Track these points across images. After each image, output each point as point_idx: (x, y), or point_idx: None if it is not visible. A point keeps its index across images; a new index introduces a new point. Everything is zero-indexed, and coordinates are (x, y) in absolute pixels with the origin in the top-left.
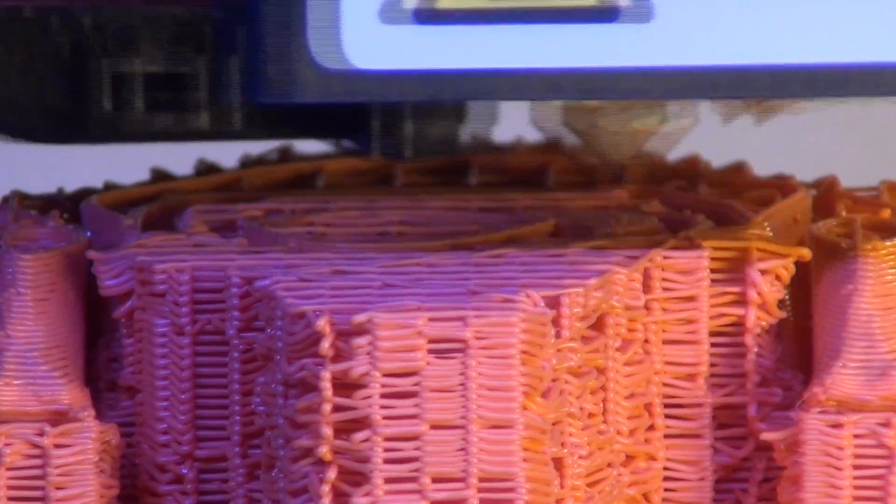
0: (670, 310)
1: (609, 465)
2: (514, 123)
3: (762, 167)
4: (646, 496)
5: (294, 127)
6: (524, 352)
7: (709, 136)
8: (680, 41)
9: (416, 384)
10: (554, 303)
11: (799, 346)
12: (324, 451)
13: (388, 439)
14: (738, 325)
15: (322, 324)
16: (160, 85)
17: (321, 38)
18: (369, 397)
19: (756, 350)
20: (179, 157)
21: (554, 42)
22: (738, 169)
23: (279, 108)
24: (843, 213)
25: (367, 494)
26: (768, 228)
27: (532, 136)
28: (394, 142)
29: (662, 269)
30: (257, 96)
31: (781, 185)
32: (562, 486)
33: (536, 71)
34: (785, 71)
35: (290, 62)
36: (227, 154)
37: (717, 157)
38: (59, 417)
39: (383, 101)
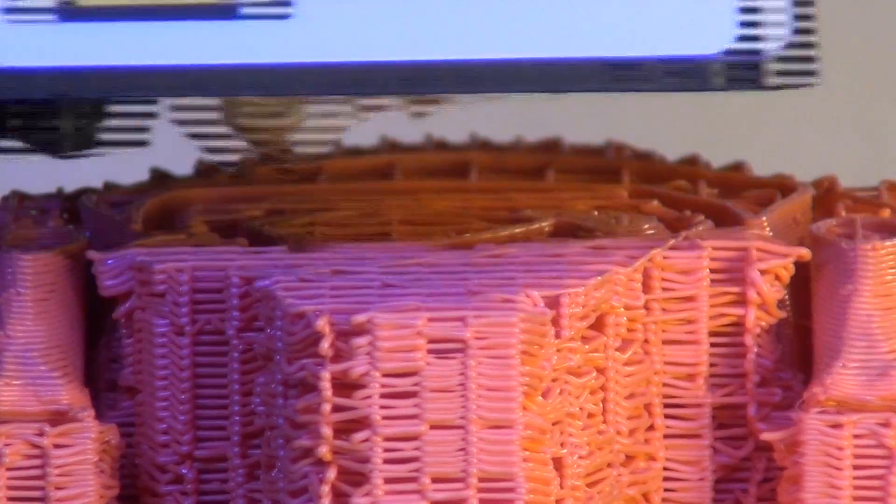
0: (670, 310)
1: (609, 465)
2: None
3: (762, 167)
4: (646, 496)
5: None
6: (524, 352)
7: (709, 137)
8: (317, 38)
9: (415, 384)
10: (554, 303)
11: (799, 346)
12: (324, 451)
13: (387, 439)
14: (738, 325)
15: (322, 324)
16: None
17: None
18: (369, 397)
19: (756, 350)
20: (180, 157)
21: (182, 38)
22: (738, 169)
23: None
24: (843, 213)
25: (366, 494)
26: (768, 228)
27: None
28: (50, 137)
29: (662, 269)
30: None
31: (781, 185)
32: (562, 486)
33: (165, 67)
34: (427, 67)
35: None
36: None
37: (717, 157)
38: (58, 417)
39: (23, 98)
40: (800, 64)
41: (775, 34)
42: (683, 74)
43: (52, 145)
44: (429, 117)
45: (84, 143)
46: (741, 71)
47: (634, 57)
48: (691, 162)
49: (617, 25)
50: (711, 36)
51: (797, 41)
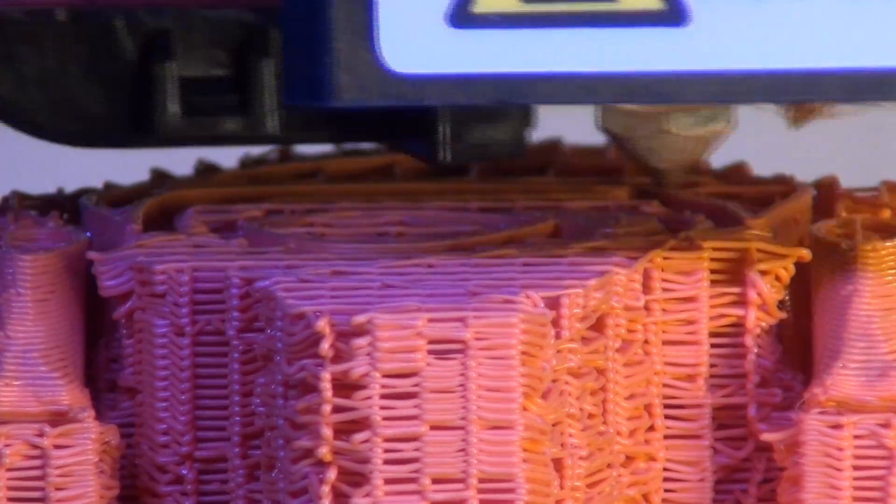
0: (670, 310)
1: (609, 465)
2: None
3: (762, 167)
4: (646, 497)
5: (334, 129)
6: (524, 353)
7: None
8: (715, 45)
9: (415, 385)
10: (554, 304)
11: (799, 346)
12: (324, 451)
13: (387, 440)
14: (738, 326)
15: (322, 324)
16: (206, 89)
17: (389, 42)
18: (369, 398)
19: (756, 351)
20: (180, 157)
21: (588, 45)
22: (738, 169)
23: (319, 111)
24: (843, 213)
25: (367, 495)
26: (768, 229)
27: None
28: (433, 145)
29: (662, 270)
30: (309, 100)
31: (781, 185)
32: (561, 487)
33: (575, 75)
34: (819, 75)
35: (345, 65)
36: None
37: (718, 157)
38: (58, 418)
39: (421, 104)
40: None
41: None
42: None
43: (484, 153)
44: (807, 126)
45: (485, 151)
46: None
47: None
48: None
49: None
50: None
51: None
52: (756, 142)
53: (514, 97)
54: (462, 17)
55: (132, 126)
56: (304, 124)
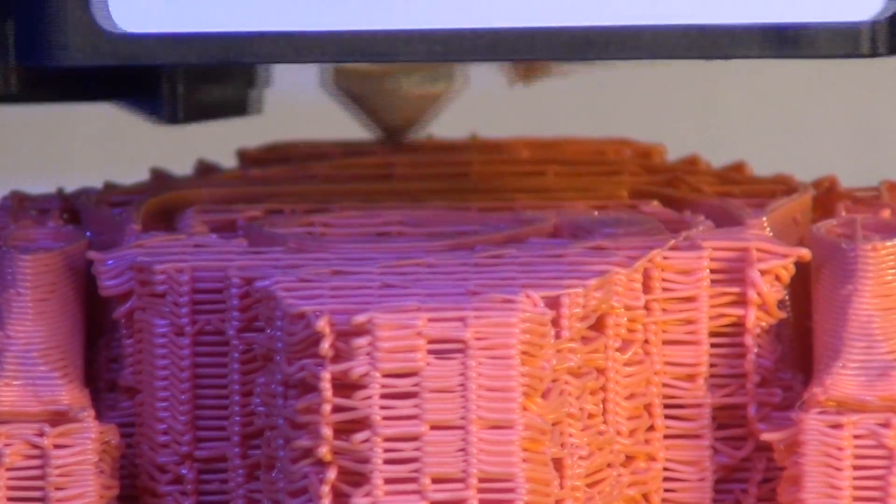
0: (670, 310)
1: (609, 465)
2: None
3: (762, 167)
4: (646, 497)
5: (72, 89)
6: (524, 352)
7: (709, 136)
8: (437, 2)
9: (415, 385)
10: (554, 303)
11: (799, 346)
12: (324, 451)
13: (387, 440)
14: (738, 326)
15: (322, 324)
16: None
17: (101, 1)
18: (369, 398)
19: (756, 350)
20: (179, 157)
21: (312, 3)
22: (738, 169)
23: (57, 70)
24: (843, 213)
25: (366, 495)
26: (768, 228)
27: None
28: (169, 105)
29: (662, 270)
30: (38, 59)
31: (781, 185)
32: (561, 487)
33: (303, 33)
34: (539, 33)
35: (70, 25)
36: (227, 150)
37: (718, 157)
38: (58, 418)
39: (163, 63)
40: None
41: None
42: (842, 40)
43: (205, 112)
44: (534, 86)
45: (238, 109)
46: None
47: (792, 23)
48: (691, 162)
49: None
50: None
51: None
52: (756, 142)
53: (237, 56)
54: None
55: None
56: (38, 83)
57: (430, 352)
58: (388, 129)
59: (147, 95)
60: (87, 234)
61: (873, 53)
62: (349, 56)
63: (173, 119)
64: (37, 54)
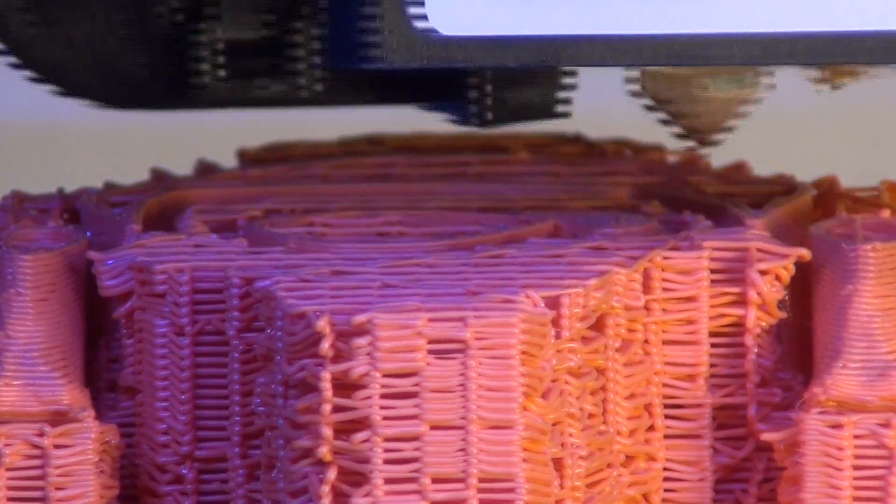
0: (670, 310)
1: (609, 465)
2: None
3: (762, 167)
4: (646, 497)
5: (377, 92)
6: (524, 352)
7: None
8: (749, 7)
9: (415, 385)
10: (554, 303)
11: (799, 346)
12: (324, 451)
13: (388, 440)
14: (738, 326)
15: (322, 324)
16: (248, 52)
17: (413, 3)
18: (369, 398)
19: (756, 350)
20: (179, 157)
21: (638, 8)
22: (738, 169)
23: (367, 74)
24: (843, 213)
25: (367, 495)
26: (768, 229)
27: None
28: (476, 108)
29: (662, 270)
30: (353, 62)
31: (781, 185)
32: (561, 487)
33: (619, 37)
34: (854, 37)
35: (387, 28)
36: (227, 150)
37: (718, 157)
38: (59, 418)
39: (471, 66)
40: None
41: None
42: None
43: (513, 115)
44: (841, 88)
45: (545, 111)
46: None
47: None
48: (691, 162)
49: None
50: None
51: None
52: (756, 142)
53: (553, 59)
54: None
55: (173, 88)
56: (341, 87)
57: (430, 352)
58: (694, 133)
59: (454, 98)
60: (87, 234)
61: None
62: (665, 59)
63: (481, 122)
64: (351, 57)
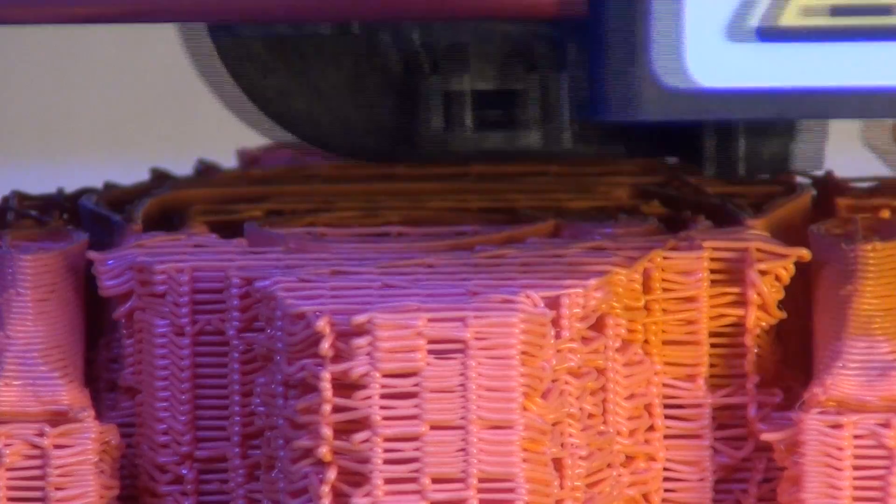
0: (670, 310)
1: (609, 465)
2: None
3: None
4: (645, 496)
5: (625, 143)
6: (524, 352)
7: None
8: None
9: (415, 385)
10: (554, 303)
11: (799, 346)
12: (324, 451)
13: (387, 440)
14: (738, 326)
15: (322, 324)
16: (490, 103)
17: (664, 55)
18: (369, 398)
19: (756, 350)
20: (179, 157)
21: (867, 62)
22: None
23: (614, 125)
24: (843, 213)
25: (366, 495)
26: (768, 229)
27: None
28: (726, 160)
29: (662, 270)
30: (599, 114)
31: (781, 185)
32: (561, 487)
33: (874, 89)
34: None
35: (633, 80)
36: (227, 150)
37: None
38: (59, 418)
39: (726, 119)
40: None
41: None
42: None
43: (740, 167)
44: None
45: (780, 164)
46: None
47: None
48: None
49: None
50: None
51: None
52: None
53: (811, 112)
54: (768, 31)
55: (413, 141)
56: (590, 138)
57: (430, 352)
58: None
59: (700, 150)
60: (87, 234)
61: None
62: None
63: (730, 175)
64: (602, 110)
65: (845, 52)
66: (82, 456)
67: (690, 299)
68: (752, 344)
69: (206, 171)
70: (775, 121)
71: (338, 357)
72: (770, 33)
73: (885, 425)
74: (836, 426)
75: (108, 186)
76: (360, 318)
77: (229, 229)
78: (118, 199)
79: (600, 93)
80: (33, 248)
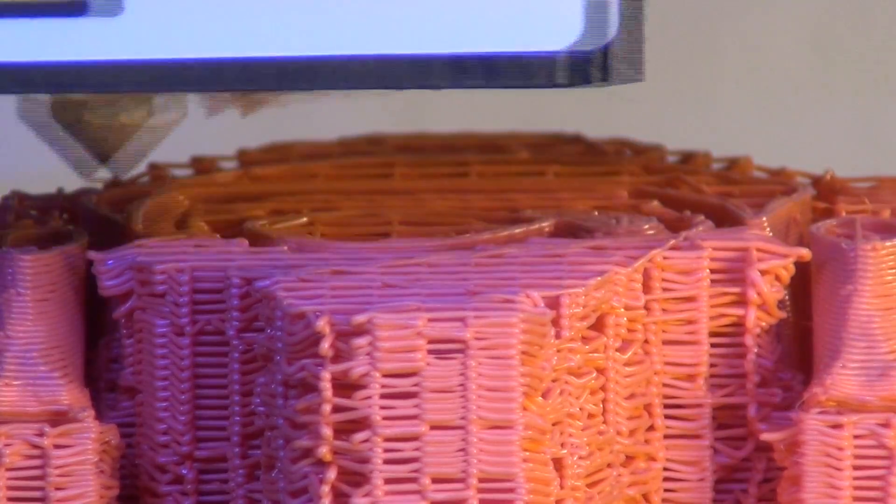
0: (670, 310)
1: (609, 465)
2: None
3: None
4: (646, 497)
5: None
6: (524, 352)
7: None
8: (149, 34)
9: (415, 385)
10: (554, 303)
11: (799, 346)
12: (324, 451)
13: (387, 440)
14: (738, 326)
15: (322, 324)
16: None
17: None
18: (369, 398)
19: (756, 350)
20: (179, 157)
21: (22, 36)
22: (739, 168)
23: None
24: (843, 213)
25: (366, 495)
26: (768, 228)
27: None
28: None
29: (662, 270)
30: None
31: (781, 184)
32: (562, 487)
33: (4, 65)
34: (255, 64)
35: None
36: (227, 150)
37: (720, 152)
38: (58, 418)
39: None
40: (627, 59)
41: (605, 29)
42: (529, 70)
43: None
44: (257, 114)
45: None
46: (585, 67)
47: (479, 53)
48: (691, 161)
49: (462, 22)
50: (557, 32)
51: (625, 36)
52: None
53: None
54: None
55: None
56: None
57: (430, 352)
58: (104, 159)
59: None
60: (87, 234)
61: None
62: (39, 88)
63: None
64: None
65: None
66: (82, 456)
67: (690, 299)
68: (752, 344)
69: (205, 171)
70: None
71: (338, 357)
72: None
73: (885, 425)
74: (836, 426)
75: (108, 186)
76: (360, 318)
77: (229, 229)
78: (118, 199)
79: None
80: (33, 248)
